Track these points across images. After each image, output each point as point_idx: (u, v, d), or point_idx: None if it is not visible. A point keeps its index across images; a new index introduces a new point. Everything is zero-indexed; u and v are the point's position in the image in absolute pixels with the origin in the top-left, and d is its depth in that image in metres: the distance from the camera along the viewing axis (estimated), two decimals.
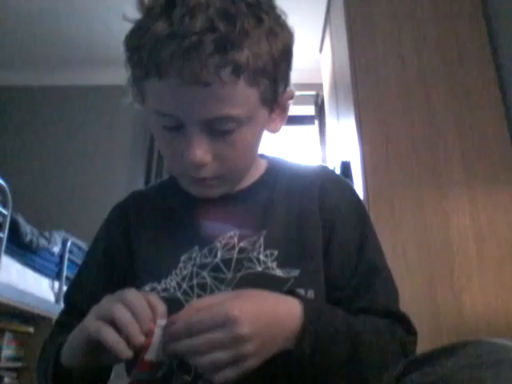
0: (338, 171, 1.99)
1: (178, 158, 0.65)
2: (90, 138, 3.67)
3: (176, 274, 0.69)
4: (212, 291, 0.67)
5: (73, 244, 2.73)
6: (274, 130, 0.74)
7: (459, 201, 1.67)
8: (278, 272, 0.66)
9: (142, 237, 0.76)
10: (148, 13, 0.62)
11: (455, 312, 1.54)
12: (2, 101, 3.73)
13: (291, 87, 0.72)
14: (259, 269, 0.67)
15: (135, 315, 0.52)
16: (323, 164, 0.83)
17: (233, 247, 0.69)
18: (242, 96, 0.61)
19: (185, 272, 0.69)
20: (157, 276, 0.69)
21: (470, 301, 1.54)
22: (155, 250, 0.73)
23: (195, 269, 0.69)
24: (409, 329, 0.68)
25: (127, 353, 0.51)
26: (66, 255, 2.63)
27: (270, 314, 0.55)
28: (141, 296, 0.54)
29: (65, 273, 2.62)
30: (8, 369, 2.46)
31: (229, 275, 0.67)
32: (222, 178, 0.68)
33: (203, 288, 0.67)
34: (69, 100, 3.77)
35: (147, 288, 0.69)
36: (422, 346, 0.49)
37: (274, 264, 0.67)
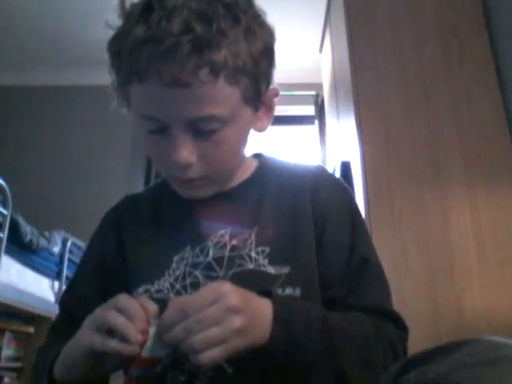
0: (337, 171, 1.99)
1: (165, 160, 0.66)
2: (90, 138, 3.67)
3: (169, 275, 0.69)
4: None
5: (73, 244, 2.73)
6: (260, 129, 0.74)
7: (459, 201, 1.67)
8: (270, 269, 0.67)
9: (134, 239, 0.76)
10: (127, 18, 0.63)
11: (455, 312, 1.54)
12: (1, 101, 3.73)
13: (275, 85, 0.72)
14: (251, 266, 0.67)
15: (129, 318, 0.53)
16: (316, 163, 0.83)
17: (224, 245, 0.70)
18: (223, 95, 0.62)
19: (178, 272, 0.69)
20: (150, 277, 0.69)
21: (470, 301, 1.54)
22: (148, 252, 0.74)
23: (188, 268, 0.69)
24: (398, 324, 0.69)
25: (135, 349, 0.52)
26: (66, 255, 2.64)
27: (252, 298, 0.57)
28: (132, 299, 0.55)
29: (65, 273, 2.62)
30: (8, 369, 2.46)
31: (221, 273, 0.68)
32: (210, 179, 0.69)
33: (196, 287, 0.67)
34: (69, 100, 3.77)
35: (141, 290, 0.69)
36: (422, 346, 0.49)
37: (266, 261, 0.67)
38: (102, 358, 0.56)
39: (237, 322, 0.52)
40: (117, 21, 0.65)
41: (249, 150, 0.82)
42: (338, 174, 1.82)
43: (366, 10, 1.97)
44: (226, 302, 0.52)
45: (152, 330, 0.53)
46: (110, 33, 0.65)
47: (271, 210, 0.73)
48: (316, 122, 3.56)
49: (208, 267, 0.69)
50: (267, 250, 0.68)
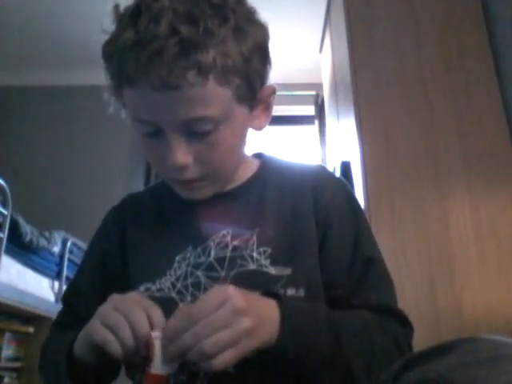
0: (338, 171, 1.99)
1: (162, 163, 0.66)
2: (90, 138, 3.67)
3: (170, 275, 0.69)
4: (206, 290, 0.67)
5: (73, 244, 2.73)
6: (258, 128, 0.74)
7: (459, 201, 1.67)
8: (271, 270, 0.67)
9: (136, 238, 0.76)
10: (119, 22, 0.63)
11: (455, 312, 1.54)
12: (1, 101, 3.73)
13: (270, 83, 0.71)
14: (252, 267, 0.67)
15: (132, 327, 0.53)
16: (318, 163, 0.83)
17: (226, 246, 0.70)
18: (214, 96, 0.61)
19: (179, 272, 0.69)
20: (151, 276, 0.70)
21: (470, 301, 1.54)
22: (150, 252, 0.74)
23: (189, 268, 0.69)
24: (404, 323, 0.69)
25: (130, 356, 0.53)
26: (66, 255, 2.64)
27: (258, 300, 0.57)
28: (139, 306, 0.55)
29: (65, 273, 2.62)
30: (8, 369, 2.46)
31: (222, 274, 0.68)
32: (209, 179, 0.69)
33: (197, 287, 0.67)
34: (69, 100, 3.77)
35: (141, 288, 0.69)
36: (422, 346, 0.49)
37: (268, 261, 0.67)
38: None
39: (246, 322, 0.51)
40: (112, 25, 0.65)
41: (250, 150, 0.82)
42: (338, 174, 1.82)
43: (365, 10, 1.97)
44: (232, 304, 0.51)
45: (158, 344, 0.52)
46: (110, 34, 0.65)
47: (273, 210, 0.73)
48: (316, 121, 3.56)
49: (210, 267, 0.69)
50: (269, 250, 0.68)
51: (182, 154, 0.64)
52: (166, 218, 0.77)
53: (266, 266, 0.67)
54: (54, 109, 3.77)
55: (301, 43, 3.41)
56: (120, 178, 3.48)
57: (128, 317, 0.53)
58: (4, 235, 2.09)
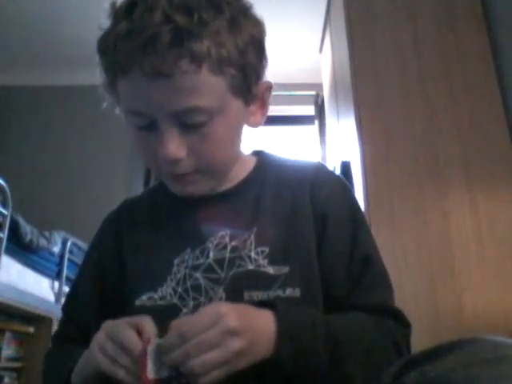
0: (338, 171, 1.99)
1: (154, 157, 0.66)
2: (90, 138, 3.67)
3: (171, 280, 0.69)
4: (207, 292, 0.67)
5: (73, 244, 2.73)
6: (254, 124, 0.73)
7: (459, 201, 1.67)
8: (269, 269, 0.66)
9: (134, 245, 0.76)
10: (114, 17, 0.63)
11: (455, 312, 1.54)
12: (2, 101, 3.73)
13: (266, 79, 0.71)
14: (251, 267, 0.67)
15: (123, 349, 0.54)
16: (315, 160, 0.82)
17: (225, 247, 0.69)
18: (207, 85, 0.61)
19: (179, 276, 0.69)
20: (153, 285, 0.69)
21: (470, 301, 1.54)
22: (148, 258, 0.73)
23: (188, 271, 0.69)
24: (401, 321, 0.68)
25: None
26: (66, 255, 2.64)
27: (253, 315, 0.56)
28: (128, 327, 0.56)
29: (65, 273, 2.62)
30: (8, 369, 2.46)
31: (222, 275, 0.67)
32: (202, 173, 0.68)
33: (198, 290, 0.67)
34: (69, 100, 3.77)
35: (144, 298, 0.69)
36: (422, 346, 0.49)
37: (266, 261, 0.67)
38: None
39: (236, 344, 0.51)
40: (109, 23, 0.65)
41: (248, 149, 0.82)
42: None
43: (365, 10, 1.97)
44: (224, 325, 0.51)
45: (151, 350, 0.53)
46: None
47: (270, 209, 0.73)
48: (316, 121, 3.56)
49: (209, 269, 0.68)
50: (267, 250, 0.68)
51: (175, 147, 0.63)
52: (163, 222, 0.76)
53: (264, 266, 0.66)
54: (54, 109, 3.77)
55: (301, 43, 3.41)
56: (120, 178, 3.48)
57: (120, 342, 0.54)
58: (4, 235, 2.09)
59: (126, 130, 0.71)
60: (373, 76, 1.87)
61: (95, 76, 0.68)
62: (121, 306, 0.70)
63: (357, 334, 0.62)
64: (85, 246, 2.75)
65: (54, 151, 3.65)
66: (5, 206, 2.16)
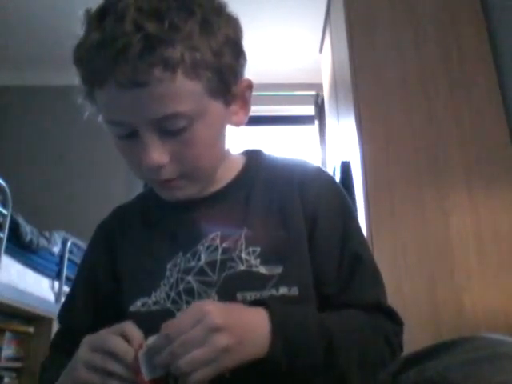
0: (338, 171, 1.99)
1: (138, 165, 0.65)
2: (90, 138, 3.67)
3: (164, 285, 0.69)
4: (200, 295, 0.67)
5: (73, 244, 2.73)
6: (237, 124, 0.72)
7: (459, 201, 1.67)
8: (262, 269, 0.66)
9: (127, 252, 0.76)
10: (87, 26, 0.63)
11: (455, 312, 1.54)
12: (2, 101, 3.73)
13: (245, 77, 0.70)
14: (242, 267, 0.66)
15: (113, 356, 0.54)
16: (303, 159, 0.81)
17: (216, 249, 0.69)
18: (184, 91, 0.60)
19: (172, 280, 0.69)
20: (146, 290, 0.69)
21: (470, 301, 1.54)
22: (141, 264, 0.73)
23: (180, 275, 0.69)
24: (393, 319, 0.68)
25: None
26: (66, 255, 2.64)
27: (241, 313, 0.56)
28: (113, 334, 0.55)
29: (65, 273, 2.62)
30: (8, 369, 2.46)
31: (214, 277, 0.67)
32: (188, 178, 0.68)
33: (191, 293, 0.67)
34: (69, 100, 3.76)
35: (139, 303, 0.69)
36: (423, 345, 0.49)
37: (258, 261, 0.67)
38: None
39: (221, 340, 0.51)
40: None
41: (237, 148, 0.82)
42: (338, 174, 1.82)
43: (365, 10, 1.97)
44: (208, 322, 0.51)
45: (141, 354, 0.53)
46: None
47: (260, 209, 0.72)
48: (316, 121, 3.56)
49: (201, 272, 0.68)
50: (258, 249, 0.67)
51: (157, 154, 0.63)
52: (154, 227, 0.76)
53: (256, 266, 0.66)
54: (54, 109, 3.77)
55: (301, 43, 3.41)
56: (120, 178, 3.48)
57: (109, 351, 0.54)
58: (4, 235, 2.09)
59: None
60: (373, 76, 1.87)
61: None
62: (116, 314, 0.70)
63: (351, 332, 0.62)
64: (85, 245, 2.74)
65: (54, 151, 3.65)
66: (5, 206, 2.16)
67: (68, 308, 0.81)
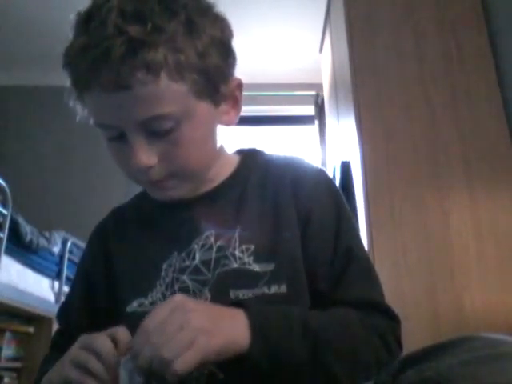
0: (338, 171, 1.99)
1: (128, 166, 0.66)
2: (90, 138, 3.67)
3: (160, 285, 0.69)
4: (195, 294, 0.67)
5: (73, 244, 2.74)
6: (228, 123, 0.72)
7: (459, 201, 1.67)
8: (255, 267, 0.66)
9: (123, 253, 0.76)
10: (75, 30, 0.63)
11: (455, 311, 1.54)
12: (1, 101, 3.73)
13: (234, 76, 0.70)
14: (235, 265, 0.67)
15: (97, 355, 0.54)
16: (297, 156, 0.81)
17: (211, 247, 0.69)
18: (169, 93, 0.60)
19: (167, 280, 0.69)
20: (143, 290, 0.69)
21: (470, 300, 1.54)
22: (137, 264, 0.73)
23: (175, 274, 0.69)
24: (388, 315, 0.68)
25: None
26: (66, 255, 2.64)
27: (216, 306, 0.58)
28: (102, 335, 0.56)
29: (65, 273, 2.62)
30: (8, 369, 2.46)
31: (209, 276, 0.67)
32: (178, 178, 0.68)
33: (186, 293, 0.67)
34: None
35: (135, 304, 0.69)
36: (422, 345, 0.49)
37: (251, 259, 0.67)
38: None
39: (197, 320, 0.52)
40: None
41: (232, 147, 0.82)
42: (338, 174, 1.82)
43: (365, 10, 1.97)
44: (181, 308, 0.53)
45: (124, 360, 0.53)
46: None
47: (253, 207, 0.72)
48: (316, 121, 3.56)
49: (195, 271, 0.68)
50: (252, 247, 0.68)
51: (145, 155, 0.63)
52: (150, 227, 0.76)
53: (249, 264, 0.66)
54: (53, 109, 3.76)
55: (301, 43, 3.41)
56: (120, 178, 3.47)
57: (93, 350, 0.54)
58: (4, 235, 2.09)
59: None
60: (373, 76, 1.87)
61: None
62: (113, 315, 0.70)
63: (340, 331, 0.61)
64: (84, 246, 2.75)
65: (54, 151, 3.65)
66: (5, 206, 2.16)
67: (66, 308, 0.82)
